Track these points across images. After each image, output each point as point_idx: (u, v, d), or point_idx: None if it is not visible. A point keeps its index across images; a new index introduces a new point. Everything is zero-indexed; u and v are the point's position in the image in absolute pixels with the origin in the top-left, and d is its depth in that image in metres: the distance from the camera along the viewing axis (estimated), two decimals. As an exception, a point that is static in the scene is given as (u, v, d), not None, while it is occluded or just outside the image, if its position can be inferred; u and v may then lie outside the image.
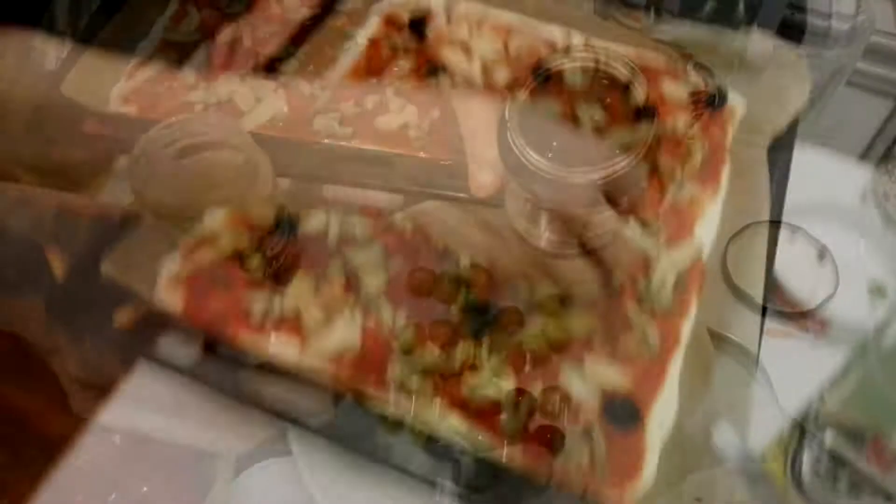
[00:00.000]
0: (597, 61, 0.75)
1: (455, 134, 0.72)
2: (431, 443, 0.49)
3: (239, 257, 0.55)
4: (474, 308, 0.55)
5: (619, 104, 0.72)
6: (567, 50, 0.77)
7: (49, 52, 0.64)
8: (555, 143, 0.54)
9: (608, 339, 0.55)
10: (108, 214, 0.56)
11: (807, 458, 0.47)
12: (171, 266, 0.55)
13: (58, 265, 0.69)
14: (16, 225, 0.68)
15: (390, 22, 0.77)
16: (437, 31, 0.77)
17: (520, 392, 0.52)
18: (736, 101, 0.73)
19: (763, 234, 0.63)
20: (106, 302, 0.49)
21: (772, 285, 0.60)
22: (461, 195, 0.46)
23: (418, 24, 0.76)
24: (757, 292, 0.59)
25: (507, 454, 0.50)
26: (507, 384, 0.52)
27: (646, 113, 0.71)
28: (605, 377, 0.53)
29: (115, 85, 0.74)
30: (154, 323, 0.49)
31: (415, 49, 0.75)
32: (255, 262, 0.55)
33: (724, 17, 1.26)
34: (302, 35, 0.74)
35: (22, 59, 0.50)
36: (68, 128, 0.59)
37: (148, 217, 0.54)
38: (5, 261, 0.69)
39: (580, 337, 0.55)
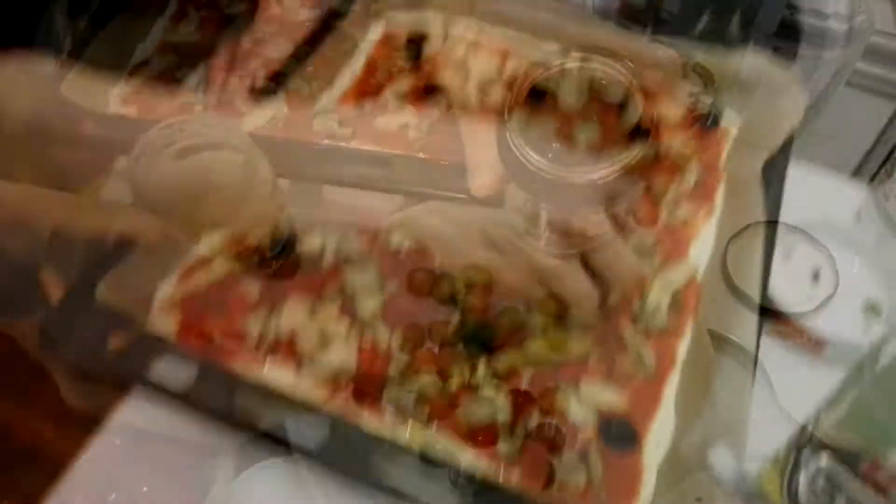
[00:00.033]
0: (592, 79, 0.76)
1: (455, 134, 0.72)
2: (428, 465, 0.49)
3: (234, 280, 0.55)
4: (470, 330, 0.55)
5: (615, 123, 0.73)
6: (562, 69, 0.77)
7: (48, 55, 0.64)
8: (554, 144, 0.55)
9: (604, 360, 0.55)
10: (104, 237, 0.56)
11: (803, 480, 0.47)
12: (166, 289, 0.55)
13: (53, 288, 0.69)
14: (10, 247, 0.68)
15: (387, 43, 0.78)
16: (434, 51, 0.77)
17: (516, 414, 0.52)
18: (730, 120, 0.74)
19: (766, 236, 0.63)
20: (101, 325, 0.49)
21: (768, 303, 0.60)
22: (461, 195, 0.46)
23: (415, 45, 0.77)
24: (757, 293, 0.59)
25: (504, 476, 0.49)
26: (504, 406, 0.52)
27: (641, 132, 0.71)
28: (602, 398, 0.53)
29: (115, 86, 0.75)
30: (149, 347, 0.49)
31: (411, 70, 0.75)
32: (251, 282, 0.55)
33: (719, 35, 1.27)
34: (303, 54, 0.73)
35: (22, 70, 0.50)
36: (68, 129, 0.59)
37: (143, 241, 0.54)
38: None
39: (576, 358, 0.55)
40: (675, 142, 0.70)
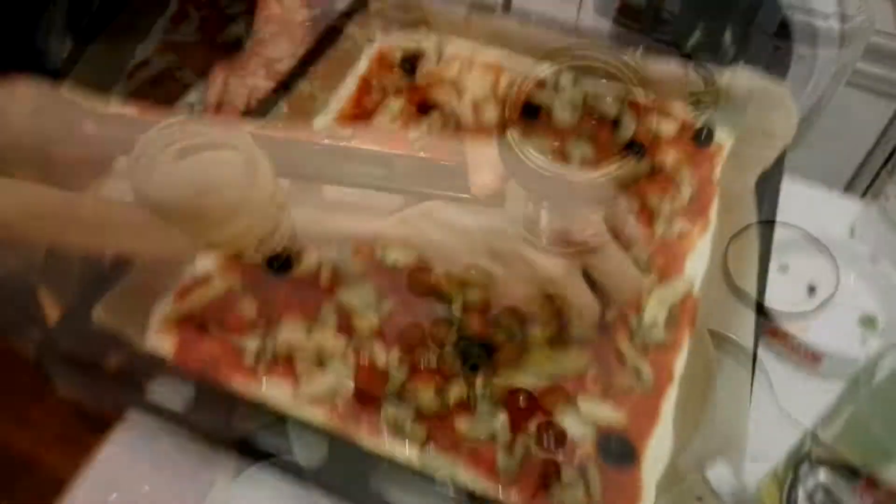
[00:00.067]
0: (586, 95, 0.76)
1: (455, 134, 0.72)
2: (426, 482, 0.48)
3: (231, 298, 0.55)
4: (467, 348, 0.55)
5: (609, 138, 0.73)
6: (556, 85, 0.78)
7: (50, 53, 0.64)
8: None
9: (602, 375, 0.56)
10: (100, 258, 0.56)
11: (802, 494, 0.47)
12: (163, 309, 0.55)
13: (50, 307, 0.68)
14: (5, 268, 0.68)
15: (381, 62, 0.78)
16: (428, 70, 0.78)
17: (514, 431, 0.51)
18: (723, 137, 0.74)
19: (763, 234, 0.63)
20: (97, 347, 0.49)
21: (765, 323, 0.60)
22: (461, 195, 0.46)
23: (409, 64, 0.77)
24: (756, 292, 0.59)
25: (503, 493, 0.49)
26: (502, 422, 0.51)
27: (635, 147, 0.72)
28: (600, 414, 0.53)
29: (115, 86, 0.75)
30: (146, 368, 0.49)
31: (406, 88, 0.76)
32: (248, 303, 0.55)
33: (713, 46, 1.28)
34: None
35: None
36: (67, 129, 0.59)
37: (139, 262, 0.54)
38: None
39: (574, 374, 0.55)
40: (670, 157, 0.70)
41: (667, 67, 0.76)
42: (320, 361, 0.52)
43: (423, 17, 0.81)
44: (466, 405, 0.52)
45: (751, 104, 0.74)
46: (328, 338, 0.54)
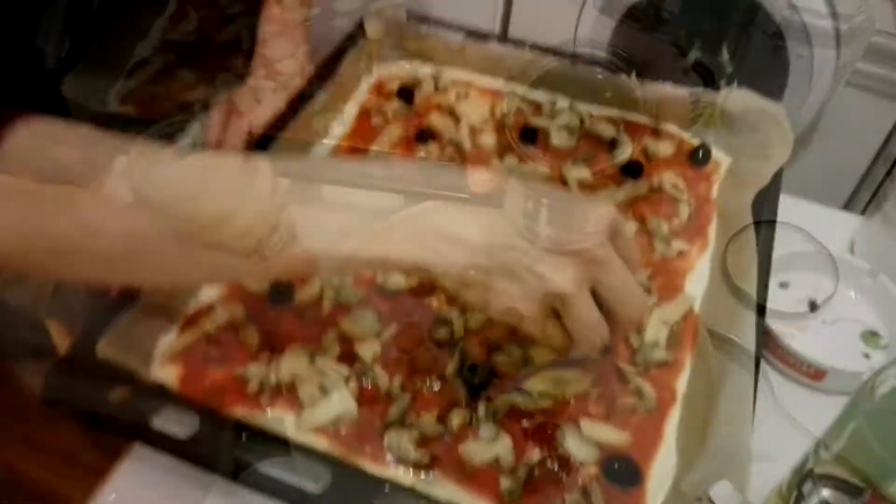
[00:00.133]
0: (582, 119, 0.77)
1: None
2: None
3: (234, 328, 0.56)
4: (469, 372, 0.55)
5: (605, 161, 0.74)
6: (553, 109, 0.78)
7: (50, 53, 0.64)
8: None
9: (605, 396, 0.56)
10: (107, 290, 0.56)
11: (807, 512, 0.47)
12: (167, 341, 0.55)
13: (59, 337, 0.69)
14: (14, 300, 0.68)
15: (380, 90, 0.79)
16: (425, 97, 0.79)
17: (518, 453, 0.52)
18: (720, 156, 0.75)
19: (763, 235, 0.64)
20: (102, 380, 0.50)
21: (767, 340, 0.60)
22: (461, 195, 0.46)
23: (407, 92, 0.78)
24: (758, 293, 0.60)
25: (508, 518, 0.49)
26: (505, 447, 0.52)
27: (632, 168, 0.72)
28: (603, 435, 0.53)
29: (115, 85, 0.76)
30: (150, 401, 0.49)
31: (404, 116, 0.77)
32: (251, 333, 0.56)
33: (711, 53, 1.29)
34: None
35: None
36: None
37: (145, 294, 0.55)
38: (5, 334, 0.69)
39: (576, 396, 0.55)
40: (667, 177, 0.71)
41: (662, 88, 0.77)
42: (323, 389, 0.53)
43: (420, 46, 0.82)
44: (469, 429, 0.52)
45: (747, 123, 0.75)
46: (331, 365, 0.54)
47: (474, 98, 0.79)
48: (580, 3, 1.30)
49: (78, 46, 0.66)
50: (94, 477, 0.52)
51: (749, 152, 0.73)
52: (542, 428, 0.53)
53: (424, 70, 0.82)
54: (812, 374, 0.60)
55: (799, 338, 0.61)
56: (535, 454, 0.52)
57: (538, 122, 0.77)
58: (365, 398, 0.53)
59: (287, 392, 0.53)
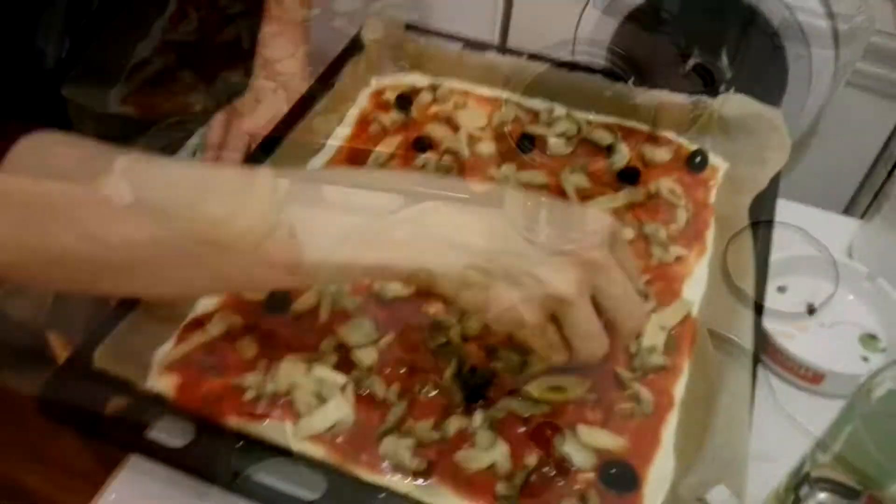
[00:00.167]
0: (579, 126, 0.77)
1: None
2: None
3: (231, 338, 0.56)
4: (466, 379, 0.55)
5: (603, 168, 0.74)
6: (550, 116, 0.79)
7: (50, 53, 0.64)
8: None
9: (602, 401, 0.56)
10: (106, 300, 0.57)
11: (805, 516, 0.47)
12: (164, 351, 0.55)
13: (59, 348, 0.69)
14: (14, 311, 0.69)
15: (378, 100, 0.80)
16: (423, 106, 0.79)
17: (515, 459, 0.51)
18: (718, 161, 0.75)
19: (762, 235, 0.64)
20: (97, 391, 0.50)
21: (765, 343, 0.60)
22: (461, 195, 0.46)
23: (405, 101, 0.79)
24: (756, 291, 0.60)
25: (505, 523, 0.49)
26: (502, 453, 0.51)
27: (629, 174, 0.73)
28: (601, 441, 0.53)
29: (115, 86, 0.76)
30: (146, 411, 0.49)
31: (402, 125, 0.77)
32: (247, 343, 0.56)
33: (712, 53, 1.28)
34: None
35: None
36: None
37: (142, 304, 0.55)
38: (4, 345, 0.70)
39: (574, 402, 0.55)
40: (664, 183, 0.71)
41: (660, 94, 0.77)
42: (320, 397, 0.53)
43: (418, 56, 0.83)
44: (466, 435, 0.52)
45: (744, 128, 0.75)
46: (328, 374, 0.54)
47: (472, 107, 0.79)
48: (582, 2, 1.31)
49: (78, 46, 0.66)
50: (94, 488, 0.52)
51: (746, 157, 0.73)
52: (540, 434, 0.53)
53: (422, 79, 0.82)
54: (810, 378, 0.60)
55: (797, 341, 0.61)
56: (532, 460, 0.52)
57: (535, 129, 0.77)
58: (362, 406, 0.53)
59: (284, 401, 0.53)
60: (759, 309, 0.59)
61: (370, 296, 0.60)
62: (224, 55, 0.84)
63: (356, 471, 0.50)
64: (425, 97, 0.80)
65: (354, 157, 0.73)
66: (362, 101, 0.80)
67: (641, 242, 0.67)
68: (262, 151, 0.69)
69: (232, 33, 0.84)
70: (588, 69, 0.80)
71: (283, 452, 0.49)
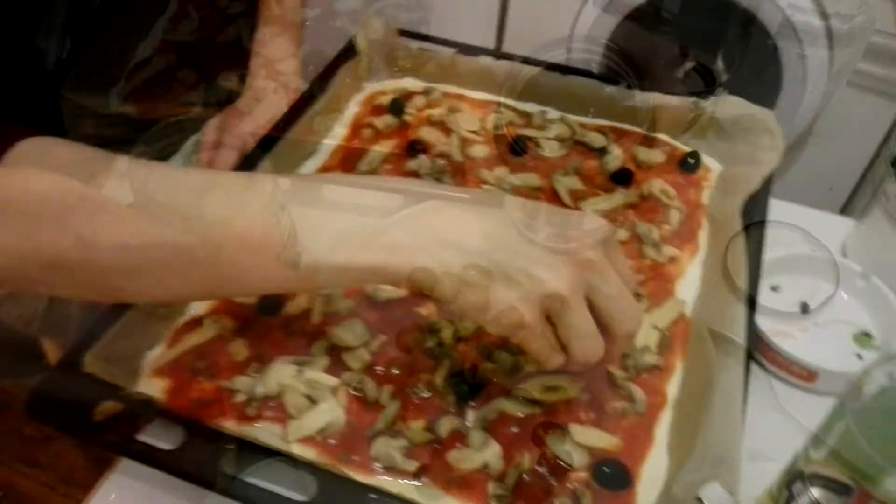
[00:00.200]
0: (572, 129, 0.77)
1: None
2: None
3: (222, 341, 0.56)
4: (458, 380, 0.55)
5: (596, 170, 0.74)
6: (543, 119, 0.79)
7: (50, 53, 0.64)
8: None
9: (595, 401, 0.55)
10: (98, 305, 0.57)
11: (798, 513, 0.46)
12: (155, 354, 0.55)
13: (52, 354, 0.69)
14: (7, 317, 0.69)
15: (371, 105, 0.80)
16: (416, 111, 0.79)
17: (507, 458, 0.51)
18: (711, 163, 0.75)
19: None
20: (87, 396, 0.49)
21: (757, 339, 0.60)
22: (461, 195, 0.46)
23: (398, 105, 0.79)
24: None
25: (498, 524, 0.49)
26: (494, 453, 0.51)
27: (622, 175, 0.73)
28: (594, 440, 0.53)
29: (115, 85, 0.76)
30: (136, 416, 0.49)
31: (395, 130, 0.77)
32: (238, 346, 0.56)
33: (712, 53, 1.28)
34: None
35: None
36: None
37: (134, 308, 0.55)
38: None
39: (566, 401, 0.55)
40: (657, 184, 0.71)
41: (653, 97, 0.77)
42: (311, 399, 0.53)
43: (412, 60, 0.83)
44: (458, 436, 0.52)
45: (737, 130, 0.75)
46: (319, 376, 0.54)
47: (466, 110, 0.80)
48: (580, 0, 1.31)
49: (78, 46, 0.67)
50: (88, 491, 0.52)
51: (740, 158, 0.73)
52: (532, 434, 0.53)
53: (416, 84, 0.83)
54: (805, 376, 0.59)
55: (792, 340, 0.61)
56: (525, 460, 0.51)
57: (528, 132, 0.77)
58: (354, 407, 0.53)
59: (276, 403, 0.53)
60: (752, 307, 0.58)
61: (363, 298, 0.60)
62: (224, 55, 0.84)
63: (348, 473, 0.50)
64: (419, 101, 0.80)
65: (348, 158, 0.73)
66: (355, 105, 0.80)
67: (634, 243, 0.67)
68: (260, 149, 0.69)
69: (232, 33, 0.85)
70: (581, 72, 0.80)
71: (275, 454, 0.49)
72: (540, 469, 0.51)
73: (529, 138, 0.76)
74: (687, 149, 0.76)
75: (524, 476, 0.51)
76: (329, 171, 0.72)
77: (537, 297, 0.44)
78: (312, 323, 0.58)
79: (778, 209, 0.69)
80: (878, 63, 1.27)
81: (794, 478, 0.46)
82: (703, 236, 0.68)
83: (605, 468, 0.51)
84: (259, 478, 0.47)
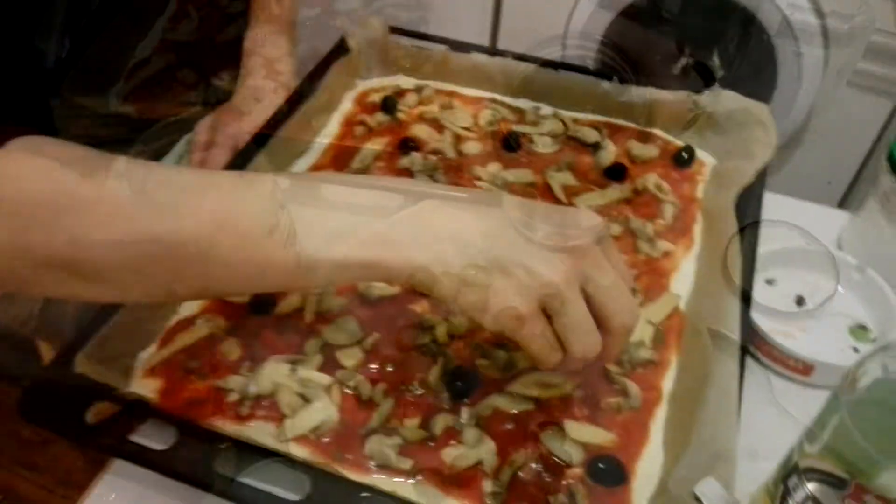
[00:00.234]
0: (566, 125, 0.77)
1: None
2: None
3: (215, 340, 0.56)
4: (452, 377, 0.55)
5: (589, 165, 0.74)
6: (536, 115, 0.79)
7: (50, 53, 0.64)
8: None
9: (590, 396, 0.55)
10: (92, 305, 0.56)
11: (794, 507, 0.46)
12: (148, 353, 0.55)
13: (48, 353, 0.69)
14: (1, 318, 0.68)
15: (363, 103, 0.80)
16: (409, 108, 0.79)
17: (502, 455, 0.51)
18: (705, 158, 0.75)
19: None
20: (79, 397, 0.49)
21: (752, 333, 0.60)
22: (460, 194, 0.46)
23: (391, 102, 0.78)
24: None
25: (493, 521, 0.49)
26: (488, 450, 0.51)
27: (616, 171, 0.72)
28: (589, 436, 0.53)
29: (115, 85, 0.76)
30: (128, 417, 0.49)
31: (387, 127, 0.77)
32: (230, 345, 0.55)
33: (712, 53, 1.28)
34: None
35: None
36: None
37: (126, 309, 0.54)
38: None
39: (561, 397, 0.55)
40: (651, 179, 0.71)
41: (648, 92, 0.77)
42: (305, 398, 0.52)
43: (404, 58, 0.83)
44: (452, 433, 0.52)
45: (731, 124, 0.75)
46: (313, 374, 0.54)
47: (458, 107, 0.79)
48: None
49: (78, 46, 0.66)
50: (83, 494, 0.51)
51: (733, 152, 0.73)
52: (527, 429, 0.53)
53: (408, 81, 0.82)
54: (801, 370, 0.59)
55: (787, 334, 0.61)
56: (519, 456, 0.51)
57: (522, 128, 0.77)
58: (347, 406, 0.53)
59: (268, 402, 0.52)
60: (747, 301, 0.58)
61: (355, 295, 0.60)
62: (224, 55, 0.84)
63: (341, 471, 0.49)
64: (411, 99, 0.79)
65: (340, 156, 0.73)
66: (348, 103, 0.80)
67: (628, 238, 0.67)
68: (247, 153, 0.69)
69: (232, 33, 0.84)
70: (574, 68, 0.80)
71: (269, 454, 0.49)
72: (535, 466, 0.51)
73: (522, 134, 0.76)
74: (681, 143, 0.76)
75: (519, 473, 0.50)
76: (321, 168, 0.72)
77: (534, 289, 0.44)
78: (305, 321, 0.58)
79: (774, 202, 0.69)
80: (877, 62, 1.27)
81: (789, 472, 0.46)
82: (697, 230, 0.68)
83: (600, 464, 0.51)
84: (252, 477, 0.47)
